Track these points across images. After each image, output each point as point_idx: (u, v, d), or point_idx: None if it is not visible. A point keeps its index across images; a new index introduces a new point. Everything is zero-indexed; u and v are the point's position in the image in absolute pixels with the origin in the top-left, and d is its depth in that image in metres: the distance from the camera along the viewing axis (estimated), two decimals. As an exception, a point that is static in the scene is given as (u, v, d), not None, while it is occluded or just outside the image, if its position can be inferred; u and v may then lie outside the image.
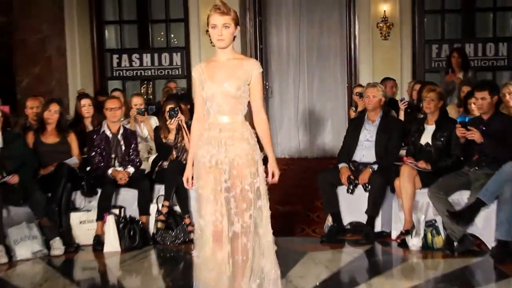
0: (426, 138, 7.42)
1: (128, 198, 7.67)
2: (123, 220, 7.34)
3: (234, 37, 4.58)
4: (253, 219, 4.51)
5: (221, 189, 4.48)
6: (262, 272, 4.56)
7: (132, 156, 7.85)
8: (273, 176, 4.65)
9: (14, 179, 7.18)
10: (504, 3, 12.59)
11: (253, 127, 4.70)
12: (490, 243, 6.68)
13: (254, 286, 4.51)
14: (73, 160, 7.79)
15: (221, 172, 4.50)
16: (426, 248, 6.89)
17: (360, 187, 7.41)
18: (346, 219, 7.53)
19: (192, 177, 4.73)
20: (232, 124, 4.57)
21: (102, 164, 7.73)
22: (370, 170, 7.41)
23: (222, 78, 4.54)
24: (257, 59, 12.23)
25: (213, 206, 4.49)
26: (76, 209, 7.63)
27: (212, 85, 4.55)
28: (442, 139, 7.28)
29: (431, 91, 7.50)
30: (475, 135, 6.81)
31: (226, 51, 4.62)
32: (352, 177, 7.43)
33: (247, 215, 4.48)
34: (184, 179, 4.76)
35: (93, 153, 7.79)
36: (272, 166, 4.64)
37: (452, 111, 8.50)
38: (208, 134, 4.58)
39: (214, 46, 4.62)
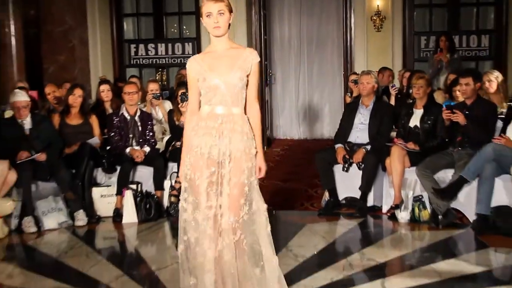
0: (414, 121, 7.42)
1: (144, 175, 7.69)
2: (140, 195, 7.35)
3: (229, 25, 4.08)
4: (250, 212, 4.05)
5: (221, 182, 3.98)
6: (263, 258, 4.08)
7: (148, 137, 7.85)
8: (259, 170, 4.16)
9: (42, 157, 7.21)
10: (486, -2, 12.56)
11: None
12: (471, 217, 6.68)
13: (257, 271, 4.06)
14: (95, 140, 7.82)
15: (219, 164, 4.00)
16: (414, 221, 6.90)
17: (354, 165, 7.39)
18: (342, 195, 7.54)
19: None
20: (233, 116, 4.05)
21: (120, 143, 7.75)
22: (364, 150, 7.40)
23: (225, 69, 4.04)
24: (261, 49, 12.40)
25: (212, 199, 3.98)
26: (98, 184, 7.66)
27: (214, 76, 4.02)
28: (429, 122, 7.29)
29: (420, 78, 7.50)
30: (459, 118, 6.81)
31: (223, 40, 4.10)
32: (347, 156, 7.42)
33: (245, 209, 4.00)
34: (181, 175, 4.21)
35: (113, 134, 7.81)
36: (260, 160, 4.14)
37: (439, 97, 8.47)
38: (206, 124, 4.04)
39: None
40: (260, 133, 4.20)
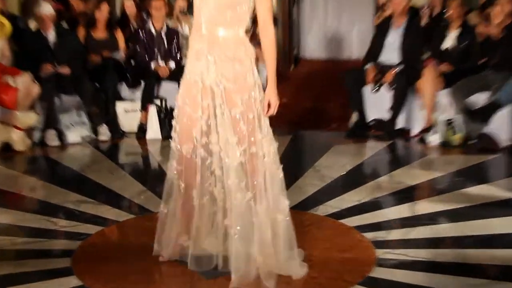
0: (448, 42, 7.23)
1: (169, 90, 7.45)
2: (164, 111, 7.28)
3: None
4: (247, 156, 3.36)
5: (214, 116, 3.37)
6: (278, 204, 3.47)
7: (173, 52, 7.74)
8: (269, 106, 3.44)
9: (65, 70, 7.13)
10: None
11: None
12: (504, 142, 6.51)
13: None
14: (119, 54, 7.75)
15: (207, 95, 3.37)
16: (444, 145, 6.73)
17: (384, 86, 7.21)
18: (370, 116, 7.37)
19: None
20: (225, 40, 3.36)
21: (146, 58, 7.66)
22: (395, 71, 7.18)
23: None
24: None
25: (210, 134, 3.39)
26: (122, 99, 7.57)
27: None
28: (464, 43, 7.10)
29: (455, -1, 7.29)
30: None
31: None
32: (377, 77, 7.24)
33: (239, 151, 3.34)
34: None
35: (138, 47, 7.73)
36: (269, 93, 3.43)
37: (473, 19, 8.17)
38: (197, 47, 3.40)
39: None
40: (272, 57, 3.49)
